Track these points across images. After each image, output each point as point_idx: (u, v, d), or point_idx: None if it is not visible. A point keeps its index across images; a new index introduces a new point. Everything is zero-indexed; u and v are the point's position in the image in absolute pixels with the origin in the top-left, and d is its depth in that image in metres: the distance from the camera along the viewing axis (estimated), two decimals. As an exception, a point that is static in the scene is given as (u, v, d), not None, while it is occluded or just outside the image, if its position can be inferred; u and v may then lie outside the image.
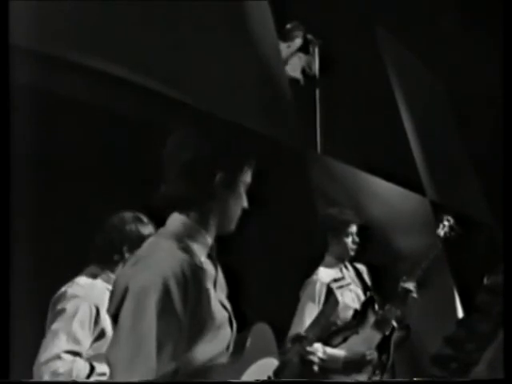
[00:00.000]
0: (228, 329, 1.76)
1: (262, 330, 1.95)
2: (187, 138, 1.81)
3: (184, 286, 1.62)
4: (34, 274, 3.03)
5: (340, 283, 3.51)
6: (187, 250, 1.70)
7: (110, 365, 1.65)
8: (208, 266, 1.77)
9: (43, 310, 2.73)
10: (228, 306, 1.80)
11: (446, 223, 3.82)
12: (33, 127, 3.10)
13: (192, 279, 1.65)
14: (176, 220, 1.76)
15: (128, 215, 2.83)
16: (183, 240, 1.72)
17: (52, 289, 2.77)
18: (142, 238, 2.71)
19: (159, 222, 1.88)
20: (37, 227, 3.13)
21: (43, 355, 2.58)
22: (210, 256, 1.79)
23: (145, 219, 2.83)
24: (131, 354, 1.58)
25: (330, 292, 3.63)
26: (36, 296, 3.00)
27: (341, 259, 3.76)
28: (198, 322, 1.66)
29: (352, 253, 3.75)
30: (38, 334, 2.67)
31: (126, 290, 1.64)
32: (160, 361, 1.57)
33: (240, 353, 1.82)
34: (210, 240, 1.78)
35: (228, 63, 4.58)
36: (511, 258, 2.53)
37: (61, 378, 2.53)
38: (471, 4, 6.91)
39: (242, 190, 1.80)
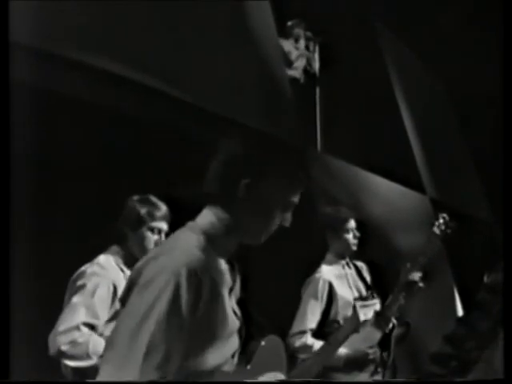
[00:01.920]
0: (236, 338, 1.70)
1: (273, 343, 1.91)
2: (231, 140, 1.78)
3: (196, 289, 1.57)
4: (34, 274, 3.03)
5: (365, 302, 3.50)
6: (209, 251, 1.66)
7: (102, 356, 1.64)
8: (227, 271, 1.71)
9: (43, 309, 2.75)
10: (239, 314, 1.74)
11: (441, 221, 3.82)
12: (33, 126, 3.10)
13: (208, 282, 1.60)
14: (206, 216, 1.73)
15: (141, 197, 2.94)
16: (207, 239, 1.68)
17: (52, 289, 2.78)
18: (141, 220, 2.86)
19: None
20: (37, 227, 3.13)
21: (62, 325, 2.62)
22: (230, 262, 1.74)
23: (157, 201, 2.94)
24: (121, 352, 1.53)
25: (332, 289, 3.64)
26: (36, 296, 3.00)
27: (342, 256, 3.78)
28: (208, 329, 1.60)
29: (354, 248, 3.77)
30: (38, 333, 2.68)
31: (133, 281, 1.61)
32: (145, 367, 1.50)
33: (247, 363, 1.78)
34: (233, 246, 1.74)
35: (228, 62, 4.58)
36: (511, 257, 2.53)
37: (78, 348, 2.58)
38: (471, 4, 6.89)
39: (278, 206, 1.72)
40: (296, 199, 1.75)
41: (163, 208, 2.93)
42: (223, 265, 1.70)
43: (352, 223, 3.77)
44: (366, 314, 3.41)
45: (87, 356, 2.58)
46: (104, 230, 2.99)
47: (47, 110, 3.25)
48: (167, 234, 2.93)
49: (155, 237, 2.88)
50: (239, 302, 1.78)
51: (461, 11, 7.17)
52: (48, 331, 2.68)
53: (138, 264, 1.67)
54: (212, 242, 1.68)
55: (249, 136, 1.85)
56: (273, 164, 1.73)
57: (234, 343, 1.69)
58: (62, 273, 2.85)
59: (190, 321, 1.55)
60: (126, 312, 1.60)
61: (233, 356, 1.70)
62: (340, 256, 3.77)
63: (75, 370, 2.60)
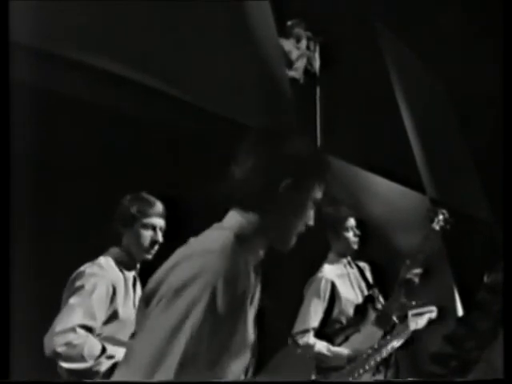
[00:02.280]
0: (248, 354, 1.60)
1: (302, 359, 1.86)
2: (263, 139, 1.71)
3: (231, 297, 1.48)
4: (34, 274, 3.03)
5: (418, 310, 3.48)
6: (240, 255, 1.57)
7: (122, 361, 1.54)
8: (252, 279, 1.61)
9: (43, 309, 2.74)
10: (255, 327, 1.65)
11: (440, 217, 3.83)
12: (33, 126, 3.10)
13: (239, 291, 1.52)
14: (234, 218, 1.64)
15: (132, 195, 2.92)
16: (238, 242, 1.58)
17: (52, 289, 2.78)
18: (133, 217, 2.84)
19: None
20: (37, 227, 3.13)
21: (58, 326, 2.59)
22: (255, 270, 1.64)
23: (149, 197, 2.91)
24: (148, 361, 1.44)
25: (334, 288, 3.65)
26: (36, 296, 3.00)
27: (344, 255, 3.79)
28: (228, 341, 1.52)
29: (355, 246, 3.77)
30: (38, 333, 2.68)
31: (161, 282, 1.52)
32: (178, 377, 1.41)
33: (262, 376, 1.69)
34: (261, 252, 1.66)
35: (228, 62, 4.58)
36: (511, 257, 2.53)
37: (74, 351, 2.55)
38: (471, 4, 6.90)
39: (309, 206, 1.68)
40: (320, 196, 1.71)
41: (156, 204, 2.91)
42: (248, 273, 1.60)
43: (352, 221, 3.78)
44: (418, 322, 3.40)
45: (82, 358, 2.56)
46: (104, 230, 2.98)
47: (47, 110, 3.25)
48: (164, 231, 2.92)
49: (149, 233, 2.87)
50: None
51: (461, 11, 7.17)
52: (48, 331, 2.67)
53: (165, 265, 1.57)
54: (242, 246, 1.59)
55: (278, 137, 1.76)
56: (304, 163, 1.67)
57: (245, 359, 1.59)
58: (62, 273, 2.84)
59: (222, 330, 1.48)
60: (154, 318, 1.49)
61: (246, 373, 1.62)
62: (342, 255, 3.78)
63: (69, 370, 2.58)
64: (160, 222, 2.90)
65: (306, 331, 3.56)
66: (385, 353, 3.39)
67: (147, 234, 2.86)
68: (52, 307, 2.81)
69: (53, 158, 3.34)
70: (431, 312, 3.49)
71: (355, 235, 3.77)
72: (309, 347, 3.52)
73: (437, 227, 3.79)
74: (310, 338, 3.55)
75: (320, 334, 3.60)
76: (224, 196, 1.67)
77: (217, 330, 1.47)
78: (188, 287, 1.46)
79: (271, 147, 1.67)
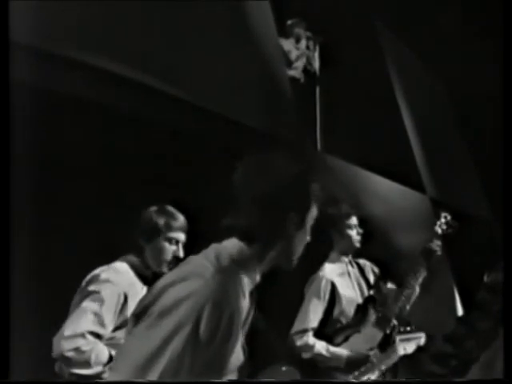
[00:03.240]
0: (235, 375, 1.59)
1: (288, 376, 1.85)
2: (264, 166, 1.69)
3: (217, 322, 1.49)
4: (34, 273, 3.03)
5: (406, 336, 3.49)
6: (234, 280, 1.58)
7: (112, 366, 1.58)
8: (246, 303, 1.62)
9: (43, 310, 2.74)
10: (246, 349, 1.64)
11: (442, 220, 3.83)
12: (33, 126, 3.09)
13: (227, 316, 1.52)
14: (236, 244, 1.63)
15: (156, 208, 2.88)
16: (235, 268, 1.60)
17: (52, 289, 2.78)
18: (157, 230, 2.81)
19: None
20: (37, 227, 3.13)
21: (68, 329, 2.59)
22: (251, 293, 1.65)
23: (174, 211, 2.89)
24: (132, 372, 1.46)
25: (334, 288, 3.64)
26: (36, 296, 3.00)
27: (346, 253, 3.77)
28: (215, 363, 1.53)
29: (358, 244, 3.76)
30: (38, 334, 2.68)
31: (153, 301, 1.53)
32: None
33: None
34: (258, 277, 1.67)
35: (228, 62, 4.58)
36: (511, 257, 2.53)
37: (82, 356, 2.56)
38: (471, 4, 6.90)
39: (309, 227, 1.70)
40: (317, 214, 1.72)
41: (181, 218, 2.88)
42: (243, 297, 1.60)
43: (354, 220, 3.77)
44: (406, 348, 3.40)
45: (89, 364, 2.56)
46: (103, 231, 2.98)
47: (47, 110, 3.25)
48: (185, 245, 2.90)
49: (173, 247, 2.85)
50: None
51: (461, 11, 7.18)
52: (48, 331, 2.67)
53: (160, 283, 1.58)
54: (238, 270, 1.61)
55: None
56: (309, 188, 1.69)
57: (232, 378, 1.59)
58: (63, 273, 2.84)
59: (204, 354, 1.49)
60: (142, 334, 1.51)
61: None
62: (344, 253, 3.76)
63: (75, 374, 2.58)
64: (183, 237, 2.88)
65: (304, 331, 3.55)
66: (372, 376, 3.39)
67: (170, 249, 2.84)
68: (52, 307, 2.81)
69: (53, 158, 3.34)
70: (419, 338, 3.49)
71: (358, 233, 3.77)
72: (308, 347, 3.52)
73: (439, 230, 3.79)
74: (310, 338, 3.54)
75: (319, 333, 3.59)
76: (226, 227, 1.66)
77: (199, 353, 1.48)
78: (174, 310, 1.48)
79: (269, 175, 1.66)
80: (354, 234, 3.74)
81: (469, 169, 8.34)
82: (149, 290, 1.60)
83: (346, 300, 3.63)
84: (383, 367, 3.41)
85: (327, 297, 3.61)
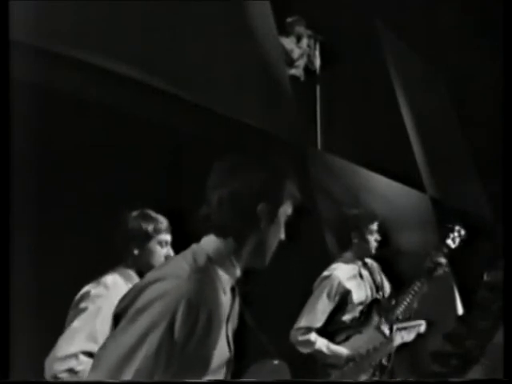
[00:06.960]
0: (224, 370, 1.65)
1: (278, 370, 1.84)
2: (237, 164, 1.73)
3: (193, 321, 1.53)
4: (34, 274, 3.03)
5: (404, 324, 3.49)
6: (211, 278, 1.63)
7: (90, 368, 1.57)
8: (227, 300, 1.67)
9: (43, 310, 2.74)
10: (232, 346, 1.68)
11: (456, 234, 3.80)
12: (33, 125, 3.09)
13: (205, 314, 1.55)
14: (212, 242, 1.69)
15: (134, 213, 2.85)
16: (212, 265, 1.65)
17: (52, 289, 2.77)
18: (147, 236, 2.79)
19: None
20: (37, 226, 3.13)
21: (61, 350, 2.56)
22: (232, 288, 1.70)
23: (156, 215, 2.87)
24: (108, 371, 1.49)
25: (344, 289, 3.63)
26: (36, 296, 3.00)
27: (361, 257, 3.76)
28: (197, 361, 1.56)
29: (373, 251, 3.75)
30: (38, 334, 2.68)
31: (131, 302, 1.56)
32: None
33: None
34: (238, 272, 1.70)
35: (229, 61, 4.58)
36: (511, 255, 2.54)
37: (75, 377, 2.52)
38: (471, 4, 6.90)
39: (282, 222, 1.73)
40: (291, 212, 1.75)
41: (164, 220, 2.88)
42: (223, 294, 1.65)
43: (375, 225, 3.76)
44: (404, 337, 3.40)
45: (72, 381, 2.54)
46: (103, 230, 2.98)
47: (47, 110, 3.24)
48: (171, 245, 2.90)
49: (164, 250, 2.85)
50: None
51: (461, 11, 7.18)
52: (48, 331, 2.67)
53: (138, 284, 1.63)
54: (216, 267, 1.66)
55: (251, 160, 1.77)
56: (282, 184, 1.72)
57: (219, 376, 1.63)
58: (62, 273, 2.84)
59: (181, 352, 1.52)
60: (119, 333, 1.55)
61: None
62: (359, 257, 3.75)
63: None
64: (169, 238, 2.88)
65: (309, 329, 3.54)
66: (368, 367, 3.39)
67: (162, 251, 2.85)
68: (52, 307, 2.81)
69: (53, 158, 3.34)
70: (419, 326, 3.48)
71: (376, 240, 3.75)
72: (309, 343, 3.52)
73: (452, 245, 3.76)
74: (312, 336, 3.53)
75: (320, 329, 3.59)
76: (202, 222, 1.71)
77: (176, 350, 1.51)
78: (148, 308, 1.52)
79: (244, 172, 1.70)
80: (373, 240, 3.73)
81: (469, 168, 8.34)
82: (128, 291, 1.63)
83: (356, 302, 3.62)
84: (380, 355, 3.40)
85: (337, 298, 3.60)
